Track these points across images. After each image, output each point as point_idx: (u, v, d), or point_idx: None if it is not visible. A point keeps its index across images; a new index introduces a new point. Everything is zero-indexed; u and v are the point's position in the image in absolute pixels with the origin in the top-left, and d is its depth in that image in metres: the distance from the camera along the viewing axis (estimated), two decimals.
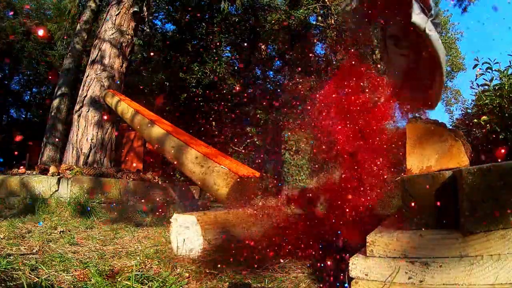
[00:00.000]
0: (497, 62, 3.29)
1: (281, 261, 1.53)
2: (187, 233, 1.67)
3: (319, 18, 10.96)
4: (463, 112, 4.01)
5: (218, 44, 10.71)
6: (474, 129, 3.25)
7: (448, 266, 0.82)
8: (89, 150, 4.85)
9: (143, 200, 3.87)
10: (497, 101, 2.98)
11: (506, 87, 2.94)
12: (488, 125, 3.04)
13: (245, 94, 10.58)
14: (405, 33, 1.77)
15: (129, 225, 2.71)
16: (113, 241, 2.01)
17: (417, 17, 1.48)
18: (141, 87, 14.12)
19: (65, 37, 10.74)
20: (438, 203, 0.95)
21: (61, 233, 2.22)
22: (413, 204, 0.98)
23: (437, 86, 1.70)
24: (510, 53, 3.22)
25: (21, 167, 4.17)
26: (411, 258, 0.86)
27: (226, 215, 1.93)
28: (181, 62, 10.48)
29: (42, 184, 3.46)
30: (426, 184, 0.97)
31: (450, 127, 1.19)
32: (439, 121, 1.19)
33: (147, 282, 1.18)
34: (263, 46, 11.29)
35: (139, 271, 1.28)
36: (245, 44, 11.31)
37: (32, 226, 2.38)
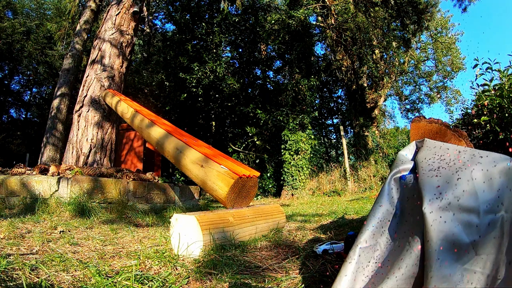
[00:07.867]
0: (497, 62, 3.29)
1: (281, 261, 1.52)
2: (187, 233, 1.68)
3: (319, 18, 10.97)
4: (463, 112, 4.00)
5: (218, 44, 10.71)
6: (474, 129, 3.25)
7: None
8: (89, 150, 4.86)
9: (143, 200, 3.87)
10: (497, 101, 2.98)
11: (506, 87, 2.94)
12: (488, 125, 3.04)
13: (245, 94, 10.57)
14: None
15: (129, 225, 2.71)
16: (113, 241, 2.00)
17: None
18: (141, 87, 14.13)
19: (65, 37, 10.76)
20: None
21: (61, 233, 2.22)
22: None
23: None
24: (510, 53, 3.22)
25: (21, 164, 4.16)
26: None
27: (226, 215, 1.93)
28: (181, 62, 10.47)
29: (42, 184, 3.46)
30: None
31: (453, 127, 1.19)
32: (443, 121, 1.19)
33: (147, 282, 1.18)
34: (263, 46, 11.30)
35: (139, 271, 1.28)
36: (245, 44, 11.32)
37: (32, 226, 2.38)
